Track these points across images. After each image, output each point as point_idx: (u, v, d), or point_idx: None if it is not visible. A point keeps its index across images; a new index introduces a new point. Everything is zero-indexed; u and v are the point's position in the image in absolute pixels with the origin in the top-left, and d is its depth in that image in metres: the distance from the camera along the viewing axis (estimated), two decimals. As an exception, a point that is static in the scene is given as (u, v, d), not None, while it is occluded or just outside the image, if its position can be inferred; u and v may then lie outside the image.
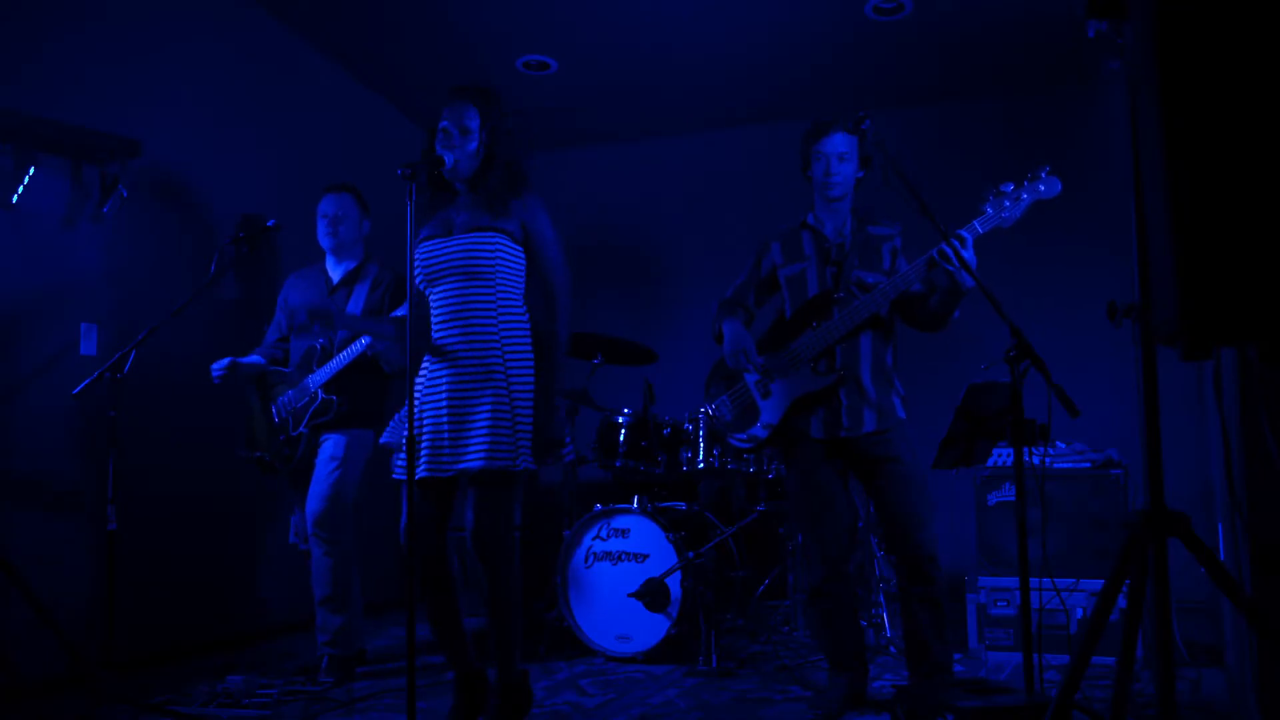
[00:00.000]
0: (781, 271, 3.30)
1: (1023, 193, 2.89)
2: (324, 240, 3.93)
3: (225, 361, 3.77)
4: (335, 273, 3.95)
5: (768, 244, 3.38)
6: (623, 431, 4.25)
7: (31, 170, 3.55)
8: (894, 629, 4.11)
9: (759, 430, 3.23)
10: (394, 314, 3.58)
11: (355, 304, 3.85)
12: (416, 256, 2.92)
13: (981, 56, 5.03)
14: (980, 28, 4.71)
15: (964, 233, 2.90)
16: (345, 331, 3.75)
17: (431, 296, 2.93)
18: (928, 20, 4.66)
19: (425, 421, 2.87)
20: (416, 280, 2.94)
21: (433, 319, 2.92)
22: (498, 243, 2.86)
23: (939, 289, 3.03)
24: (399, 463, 2.91)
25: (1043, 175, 2.90)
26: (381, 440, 3.09)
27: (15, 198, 3.54)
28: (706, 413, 3.52)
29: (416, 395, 2.91)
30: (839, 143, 3.16)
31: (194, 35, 4.36)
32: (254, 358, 3.90)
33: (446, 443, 2.84)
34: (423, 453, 2.84)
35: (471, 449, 2.79)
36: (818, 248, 3.25)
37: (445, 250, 2.88)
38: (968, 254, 2.88)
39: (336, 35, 4.96)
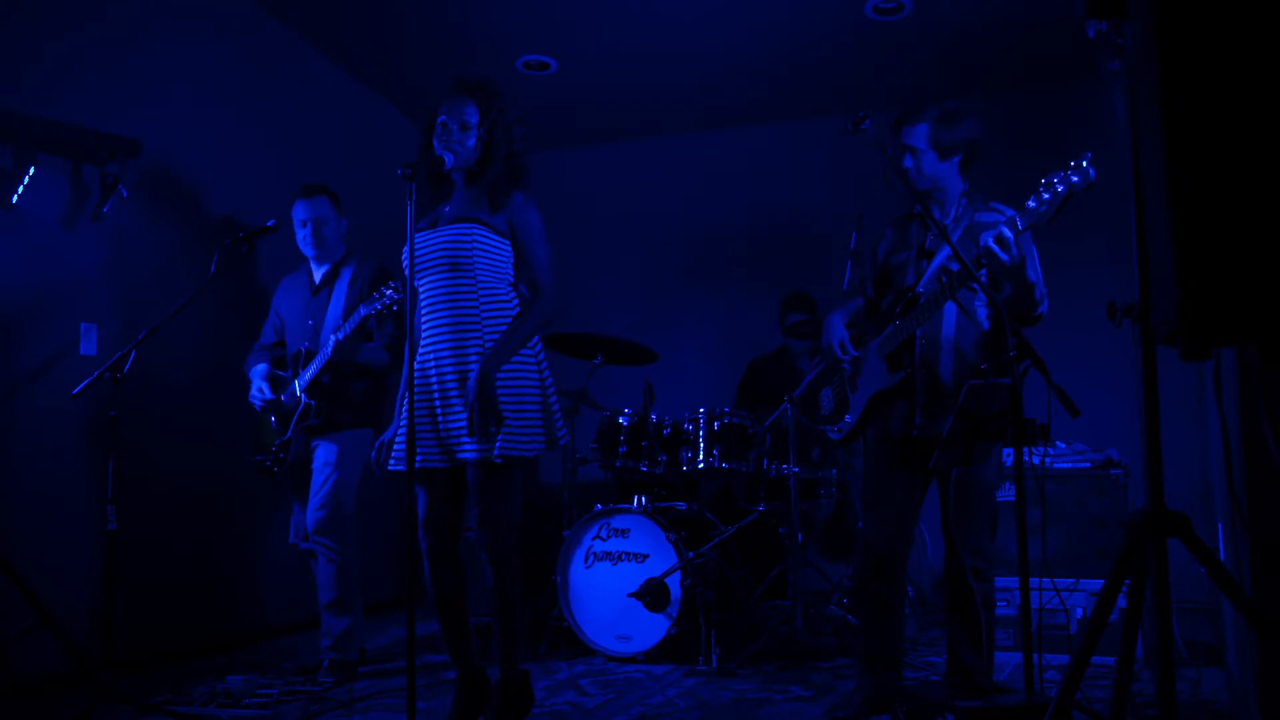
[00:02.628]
0: (891, 259, 3.19)
1: (1058, 185, 2.67)
2: (307, 249, 3.93)
3: (267, 389, 3.82)
4: (317, 273, 3.96)
5: (884, 231, 3.27)
6: (623, 431, 4.25)
7: (31, 170, 3.54)
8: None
9: (844, 424, 3.21)
10: (358, 313, 3.58)
11: (336, 302, 3.85)
12: (405, 250, 2.93)
13: (982, 56, 5.03)
14: (980, 27, 4.72)
15: (1005, 231, 2.73)
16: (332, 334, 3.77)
17: (420, 289, 2.95)
18: (928, 20, 4.67)
19: (417, 411, 2.88)
20: (406, 273, 2.94)
21: (421, 311, 2.95)
22: (474, 233, 2.87)
23: (1010, 281, 2.86)
24: (395, 454, 2.92)
25: (1084, 165, 2.64)
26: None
27: (15, 198, 3.53)
28: (817, 406, 3.48)
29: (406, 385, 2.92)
30: (911, 136, 3.03)
31: (194, 35, 4.36)
32: (262, 367, 3.92)
33: (436, 434, 2.87)
34: (416, 444, 2.84)
35: (462, 441, 2.83)
36: (920, 238, 3.13)
37: (429, 242, 2.91)
38: (1004, 255, 2.71)
39: (336, 35, 4.96)
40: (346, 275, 3.89)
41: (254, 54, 4.69)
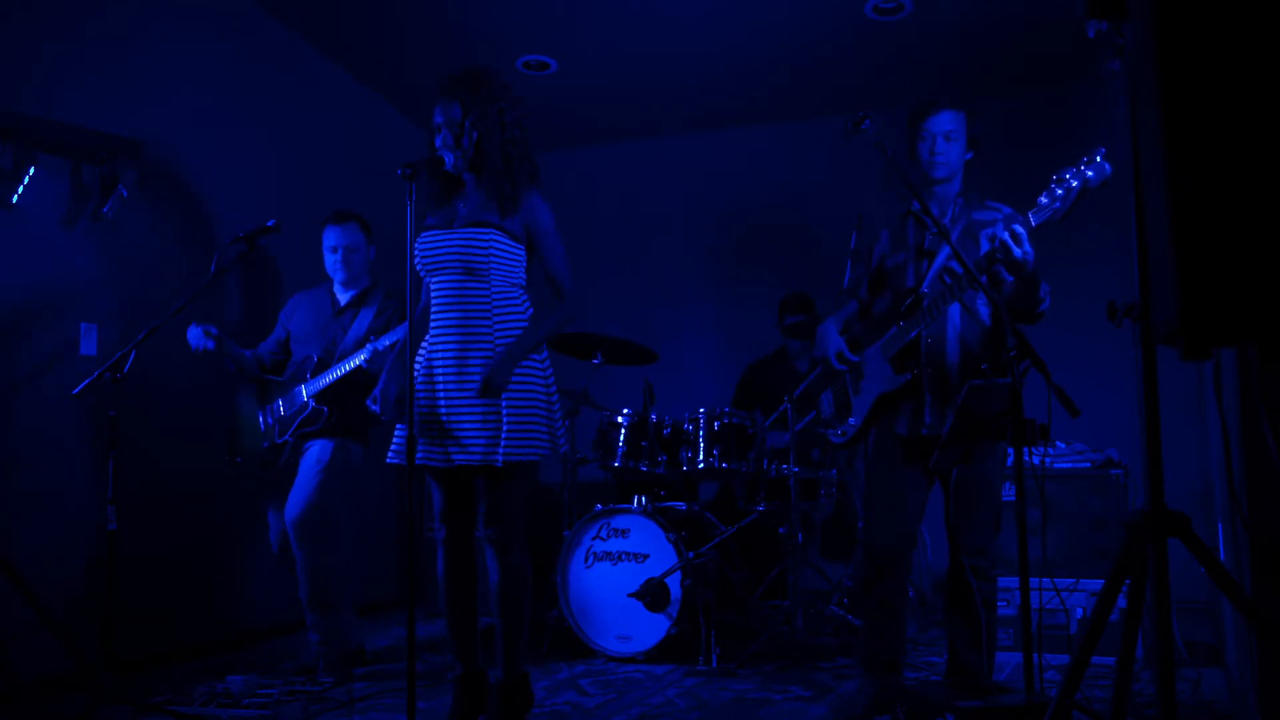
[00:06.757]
0: (887, 261, 3.16)
1: (1071, 180, 2.63)
2: (336, 274, 3.94)
3: (213, 332, 3.71)
4: (343, 296, 3.97)
5: (878, 233, 3.24)
6: (623, 431, 4.25)
7: (31, 170, 3.54)
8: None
9: (847, 426, 3.20)
10: (390, 335, 3.58)
11: (359, 326, 3.86)
12: (418, 245, 2.94)
13: (982, 56, 5.03)
14: (980, 27, 4.71)
15: (1018, 228, 2.70)
16: (349, 350, 3.78)
17: (431, 287, 2.97)
18: (928, 20, 4.66)
19: (421, 409, 2.89)
20: (418, 269, 2.96)
21: (431, 309, 2.96)
22: (491, 238, 2.88)
23: (1014, 279, 2.84)
24: (395, 446, 2.93)
25: (1098, 159, 2.61)
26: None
27: (15, 198, 3.53)
28: (817, 409, 3.48)
29: (415, 381, 2.92)
30: (945, 120, 2.99)
31: (194, 35, 4.36)
32: (246, 352, 3.91)
33: (439, 434, 2.87)
34: (419, 441, 2.86)
35: (464, 444, 2.83)
36: (918, 238, 3.11)
37: (443, 242, 2.91)
38: (1019, 251, 2.69)
39: (337, 35, 4.96)
40: (374, 305, 3.92)
41: (254, 54, 4.69)
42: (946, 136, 3.01)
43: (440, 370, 2.89)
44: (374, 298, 3.94)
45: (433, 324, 2.94)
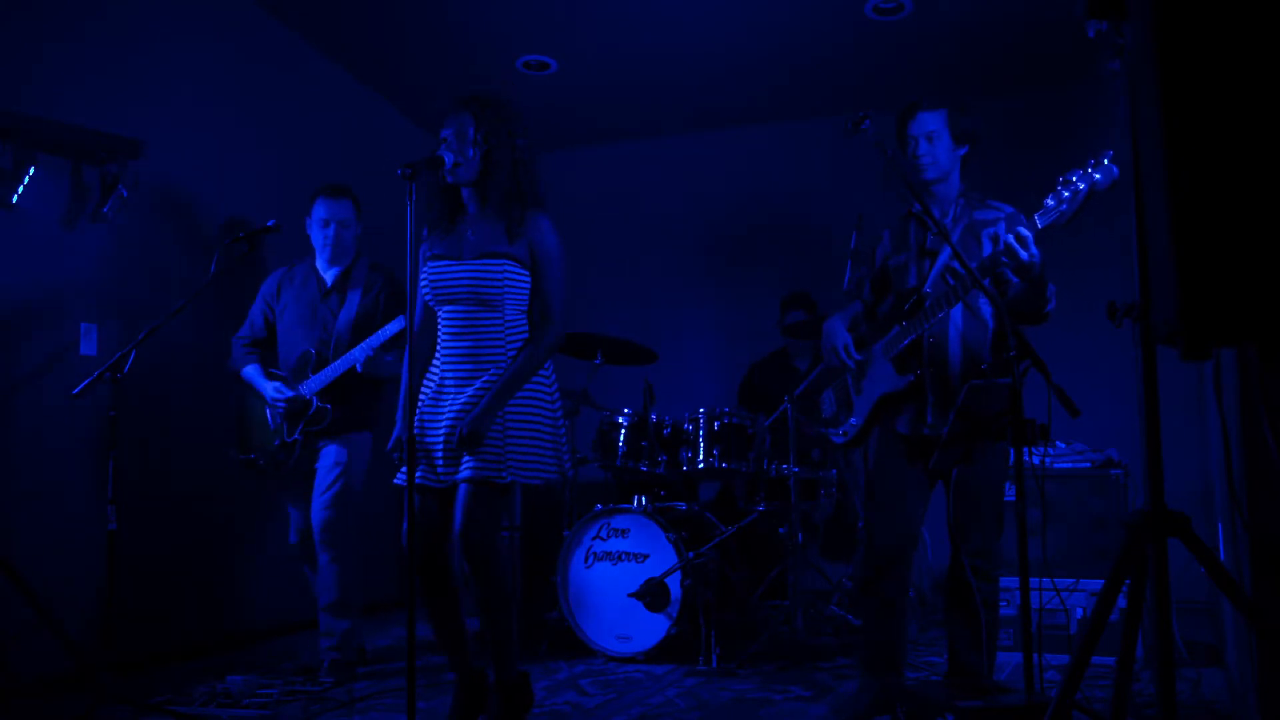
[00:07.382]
0: (890, 262, 3.16)
1: (1079, 183, 2.62)
2: (324, 248, 3.91)
3: (284, 386, 3.77)
4: (327, 275, 3.95)
5: (880, 234, 3.24)
6: (623, 431, 4.25)
7: (31, 170, 3.54)
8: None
9: (849, 426, 3.19)
10: (391, 326, 3.59)
11: (349, 310, 3.84)
12: (426, 274, 2.93)
13: (982, 56, 5.03)
14: (980, 27, 4.72)
15: (1024, 230, 2.68)
16: (344, 336, 3.78)
17: (441, 315, 2.96)
18: (928, 20, 4.67)
19: (426, 429, 2.89)
20: (426, 298, 2.95)
21: (441, 335, 2.95)
22: (505, 269, 2.87)
23: (1021, 281, 2.83)
24: (403, 468, 2.92)
25: (1105, 162, 2.60)
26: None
27: (15, 198, 3.53)
28: (818, 408, 3.48)
29: (421, 401, 2.93)
30: (925, 122, 3.00)
31: (194, 35, 4.36)
32: (256, 367, 3.88)
33: (443, 455, 2.86)
34: (421, 460, 2.86)
35: (463, 462, 2.82)
36: (920, 238, 3.11)
37: (454, 273, 2.89)
38: (1025, 254, 2.68)
39: (337, 35, 4.96)
40: (360, 282, 3.90)
41: (254, 54, 4.69)
42: (929, 137, 3.01)
43: (451, 399, 2.88)
44: (359, 274, 3.92)
45: (444, 352, 2.93)
